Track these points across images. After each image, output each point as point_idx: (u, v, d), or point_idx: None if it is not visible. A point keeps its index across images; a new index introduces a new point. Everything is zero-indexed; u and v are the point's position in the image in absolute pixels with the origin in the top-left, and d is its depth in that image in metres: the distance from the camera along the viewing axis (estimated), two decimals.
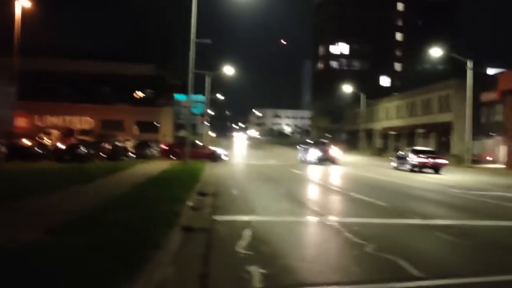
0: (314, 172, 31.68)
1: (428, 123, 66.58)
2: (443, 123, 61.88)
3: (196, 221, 11.10)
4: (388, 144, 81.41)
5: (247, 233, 10.03)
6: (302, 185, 23.15)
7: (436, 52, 57.07)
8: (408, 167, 36.80)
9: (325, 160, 41.21)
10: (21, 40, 38.72)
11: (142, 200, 12.70)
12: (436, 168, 36.08)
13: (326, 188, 21.74)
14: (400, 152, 42.37)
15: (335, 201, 17.47)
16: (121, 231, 8.55)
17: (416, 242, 10.39)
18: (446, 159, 39.00)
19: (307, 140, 62.97)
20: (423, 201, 18.09)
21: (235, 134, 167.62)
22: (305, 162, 42.04)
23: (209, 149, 42.61)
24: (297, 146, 53.69)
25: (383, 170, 36.74)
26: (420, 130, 68.62)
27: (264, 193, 18.89)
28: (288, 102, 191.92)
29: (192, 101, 39.33)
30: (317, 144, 46.68)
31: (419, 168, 35.95)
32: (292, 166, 36.54)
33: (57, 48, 67.90)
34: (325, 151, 42.21)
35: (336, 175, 30.82)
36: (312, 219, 12.78)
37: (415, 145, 56.32)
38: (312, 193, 19.26)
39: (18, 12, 38.03)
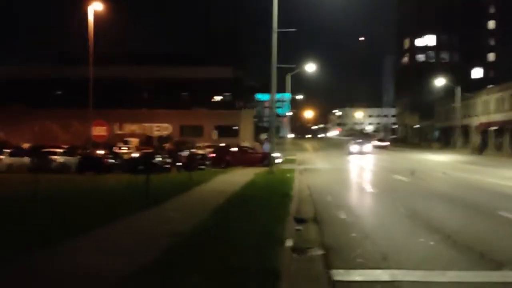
0: (421, 177, 26.41)
1: None
2: None
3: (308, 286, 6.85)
4: (488, 140, 73.74)
5: None
6: (424, 199, 17.91)
7: None
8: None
9: None
10: (97, 48, 36.70)
11: (219, 243, 8.58)
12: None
13: (461, 206, 16.41)
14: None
15: (496, 230, 11.71)
16: None
17: None
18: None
19: None
20: None
21: (322, 134, 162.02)
22: None
23: (260, 152, 38.69)
24: None
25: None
26: None
27: (383, 216, 14.25)
28: (369, 99, 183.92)
29: (277, 101, 35.33)
30: None
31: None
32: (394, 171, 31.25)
33: (134, 54, 66.52)
34: None
35: (451, 182, 25.39)
36: (496, 275, 7.66)
37: None
38: (449, 213, 13.89)
39: (91, 19, 35.71)
